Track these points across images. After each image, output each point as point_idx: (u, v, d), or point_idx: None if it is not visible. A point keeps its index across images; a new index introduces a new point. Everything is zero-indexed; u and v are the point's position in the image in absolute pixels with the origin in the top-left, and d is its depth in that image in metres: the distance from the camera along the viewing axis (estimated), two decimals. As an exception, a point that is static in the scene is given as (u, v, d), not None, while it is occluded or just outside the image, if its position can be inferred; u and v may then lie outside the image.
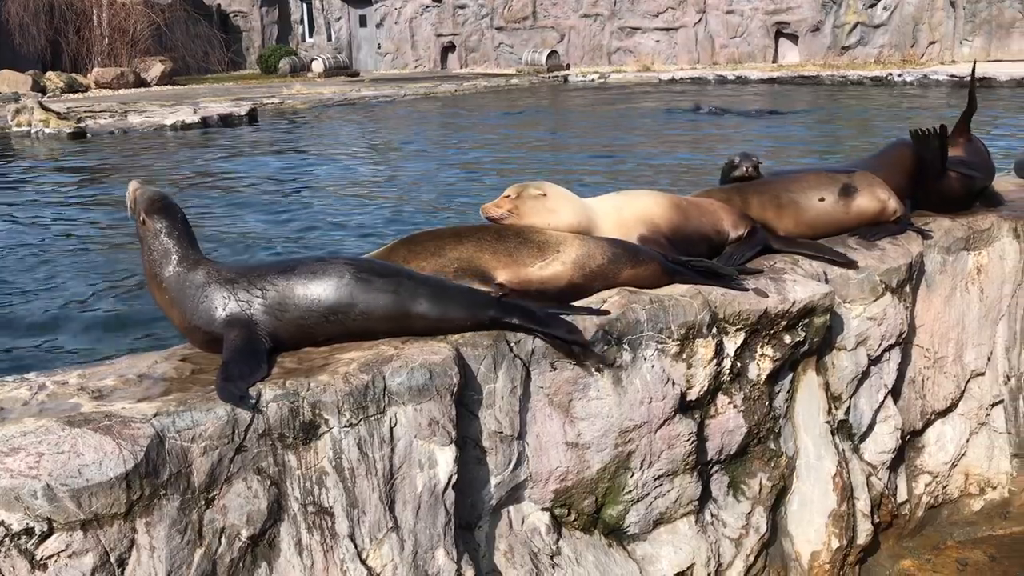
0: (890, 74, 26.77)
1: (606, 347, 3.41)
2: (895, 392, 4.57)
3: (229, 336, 2.94)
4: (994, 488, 4.96)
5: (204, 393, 2.75)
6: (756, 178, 4.66)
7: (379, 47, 41.23)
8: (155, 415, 2.60)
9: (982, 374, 4.97)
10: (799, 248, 4.30)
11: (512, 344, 3.21)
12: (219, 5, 41.77)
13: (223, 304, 2.99)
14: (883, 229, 4.53)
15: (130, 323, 6.40)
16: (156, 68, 33.53)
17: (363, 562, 2.84)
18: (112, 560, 2.44)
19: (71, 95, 29.25)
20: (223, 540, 2.64)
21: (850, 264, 4.23)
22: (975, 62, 5.08)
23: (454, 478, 2.97)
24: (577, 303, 3.52)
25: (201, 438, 2.61)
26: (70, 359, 5.47)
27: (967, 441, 4.93)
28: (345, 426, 2.80)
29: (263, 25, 42.45)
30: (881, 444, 4.45)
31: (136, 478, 2.46)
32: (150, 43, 34.90)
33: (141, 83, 32.57)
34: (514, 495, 3.30)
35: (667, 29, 35.37)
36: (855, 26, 32.13)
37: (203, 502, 2.62)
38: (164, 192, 3.19)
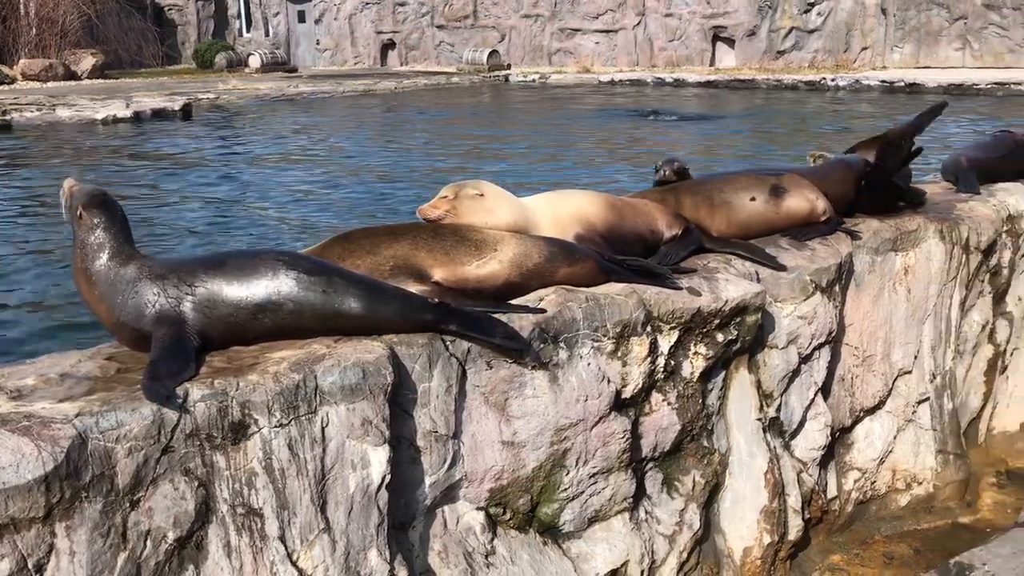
0: (824, 79, 27.32)
1: (542, 345, 3.41)
2: (825, 390, 4.66)
3: (157, 334, 2.87)
4: (920, 483, 5.08)
5: (129, 393, 2.68)
6: (677, 181, 4.74)
7: (318, 43, 40.78)
8: (77, 415, 2.52)
9: (909, 372, 5.09)
10: (732, 248, 4.37)
11: (447, 343, 3.19)
12: (153, -2, 40.93)
13: (153, 300, 2.91)
14: (813, 230, 4.62)
15: (54, 321, 6.22)
16: (87, 61, 32.67)
17: (294, 564, 2.80)
18: (30, 566, 2.36)
19: (-3, 87, 28.40)
20: (148, 543, 2.58)
21: (779, 267, 4.30)
22: (943, 104, 5.26)
23: (387, 478, 2.94)
24: (514, 301, 3.51)
25: (126, 439, 2.54)
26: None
27: (894, 438, 5.05)
28: (275, 426, 2.75)
29: (199, 19, 41.66)
30: (811, 441, 4.53)
31: (56, 480, 2.39)
32: (80, 35, 33.98)
33: (71, 76, 31.71)
34: (449, 495, 3.28)
35: (607, 31, 35.62)
36: (790, 31, 32.72)
37: (127, 504, 2.55)
38: (103, 188, 3.11)
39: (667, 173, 4.79)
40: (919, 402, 5.13)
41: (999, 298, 5.65)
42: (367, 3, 39.33)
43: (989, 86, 24.00)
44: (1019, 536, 3.42)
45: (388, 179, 11.37)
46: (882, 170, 4.95)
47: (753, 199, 4.58)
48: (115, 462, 2.52)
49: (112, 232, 2.97)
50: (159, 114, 19.96)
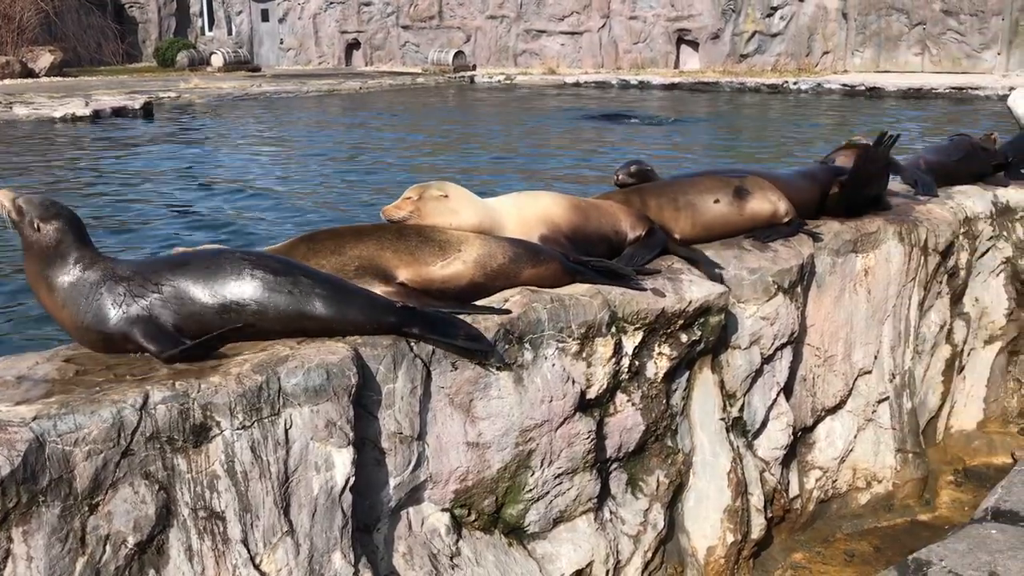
0: (786, 82, 27.61)
1: (507, 346, 3.41)
2: (787, 390, 4.71)
3: (135, 330, 2.85)
4: (879, 482, 5.15)
5: (88, 395, 2.64)
6: (637, 183, 4.77)
7: (281, 42, 40.47)
8: (35, 418, 2.48)
9: (869, 372, 5.16)
10: (685, 255, 4.36)
11: (412, 344, 3.18)
12: (114, -6, 40.39)
13: (119, 301, 2.88)
14: (776, 231, 4.67)
15: (8, 323, 6.12)
16: (45, 58, 32.15)
17: (256, 567, 2.77)
18: (-15, 572, 2.31)
19: (-49, 84, 27.85)
20: (108, 548, 2.54)
21: (718, 279, 4.28)
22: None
23: (352, 480, 2.92)
24: (479, 302, 3.51)
25: (84, 442, 2.51)
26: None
27: (855, 437, 5.11)
28: (238, 428, 2.73)
29: (160, 17, 41.18)
30: (774, 440, 4.58)
31: (12, 485, 2.34)
32: (38, 32, 33.43)
33: (29, 73, 31.18)
34: (414, 496, 3.27)
35: (572, 33, 35.72)
36: (753, 35, 33.04)
37: (86, 508, 2.51)
38: (51, 198, 3.06)
39: (622, 177, 4.83)
40: (879, 401, 5.20)
41: (956, 299, 5.75)
42: (331, 2, 39.11)
43: (947, 91, 24.40)
44: (975, 532, 3.47)
45: (352, 180, 11.31)
46: (858, 180, 5.04)
47: (717, 201, 4.62)
48: (73, 465, 2.48)
49: (72, 238, 2.95)
50: (119, 113, 19.67)
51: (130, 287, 2.90)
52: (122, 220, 9.20)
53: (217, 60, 36.13)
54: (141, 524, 2.59)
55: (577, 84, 30.15)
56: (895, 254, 5.12)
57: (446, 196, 3.73)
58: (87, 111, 19.14)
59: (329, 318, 3.04)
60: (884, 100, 24.18)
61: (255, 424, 2.76)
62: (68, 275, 2.92)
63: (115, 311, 2.88)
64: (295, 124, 19.51)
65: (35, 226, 2.92)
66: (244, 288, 2.94)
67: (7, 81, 29.39)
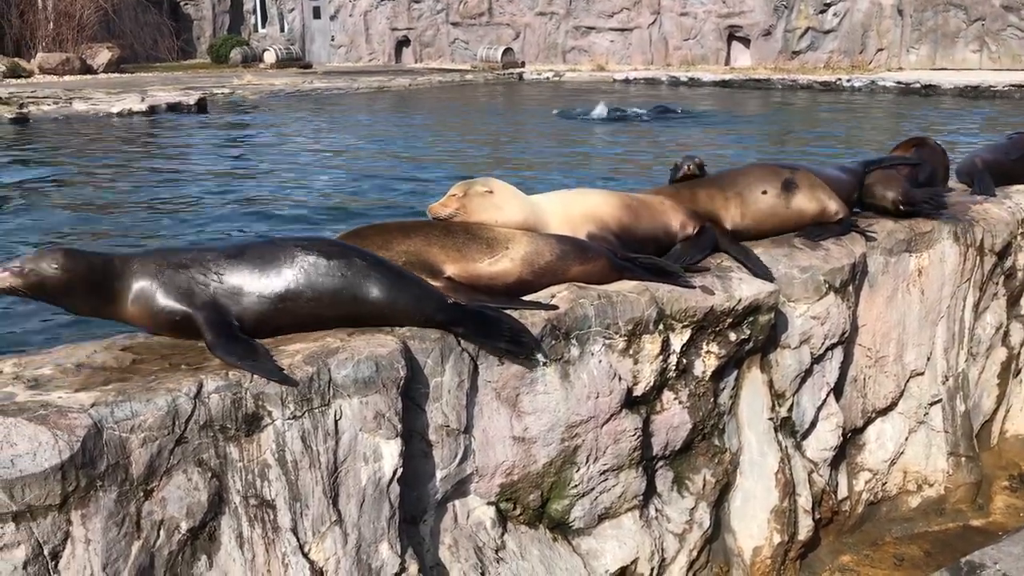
0: (839, 79, 27.22)
1: (554, 342, 3.41)
2: (837, 390, 4.65)
3: (201, 316, 2.90)
4: (931, 485, 5.07)
5: (144, 383, 2.70)
6: (698, 177, 4.72)
7: (333, 39, 40.85)
8: (93, 405, 2.54)
9: (921, 374, 5.08)
10: (735, 253, 4.32)
11: (459, 338, 3.20)
12: (169, -8, 41.10)
13: (186, 288, 2.94)
14: (827, 230, 4.61)
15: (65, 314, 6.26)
16: (103, 55, 32.83)
17: (305, 556, 2.81)
18: (46, 553, 2.38)
19: (14, 80, 28.50)
20: (162, 533, 2.60)
21: (768, 278, 4.24)
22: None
23: (399, 471, 2.95)
24: (526, 298, 3.52)
25: (140, 429, 2.57)
26: (3, 347, 5.32)
27: (906, 439, 5.04)
28: (289, 418, 2.77)
29: (215, 14, 41.81)
30: (823, 441, 4.52)
31: (72, 469, 2.41)
32: (97, 29, 34.13)
33: (87, 70, 31.87)
34: (460, 489, 3.30)
35: (622, 30, 35.56)
36: (806, 31, 32.61)
37: (141, 494, 2.57)
38: (52, 249, 3.01)
39: (691, 167, 4.73)
40: (931, 404, 5.12)
41: (1014, 301, 5.63)
42: (382, 0, 39.38)
43: (1006, 88, 23.85)
44: (1031, 538, 3.41)
45: (400, 177, 11.39)
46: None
47: (765, 192, 4.57)
48: (129, 452, 2.54)
49: (87, 255, 2.97)
50: (174, 108, 20.03)
51: (192, 273, 2.96)
52: (177, 209, 9.39)
53: (270, 57, 36.59)
54: (194, 510, 2.64)
55: (626, 81, 30.03)
56: (950, 254, 5.03)
57: (491, 192, 3.75)
58: (143, 106, 19.52)
59: (382, 302, 3.06)
60: (940, 98, 23.71)
61: (306, 414, 2.81)
62: (121, 279, 2.95)
63: (182, 295, 2.93)
64: (345, 121, 19.69)
65: (55, 269, 2.89)
66: (299, 275, 2.99)
67: (67, 77, 30.07)
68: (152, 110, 19.49)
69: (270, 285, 2.98)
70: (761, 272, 4.21)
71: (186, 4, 41.61)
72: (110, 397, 2.59)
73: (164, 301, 2.94)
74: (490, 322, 3.24)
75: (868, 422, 4.93)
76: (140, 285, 2.96)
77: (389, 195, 10.08)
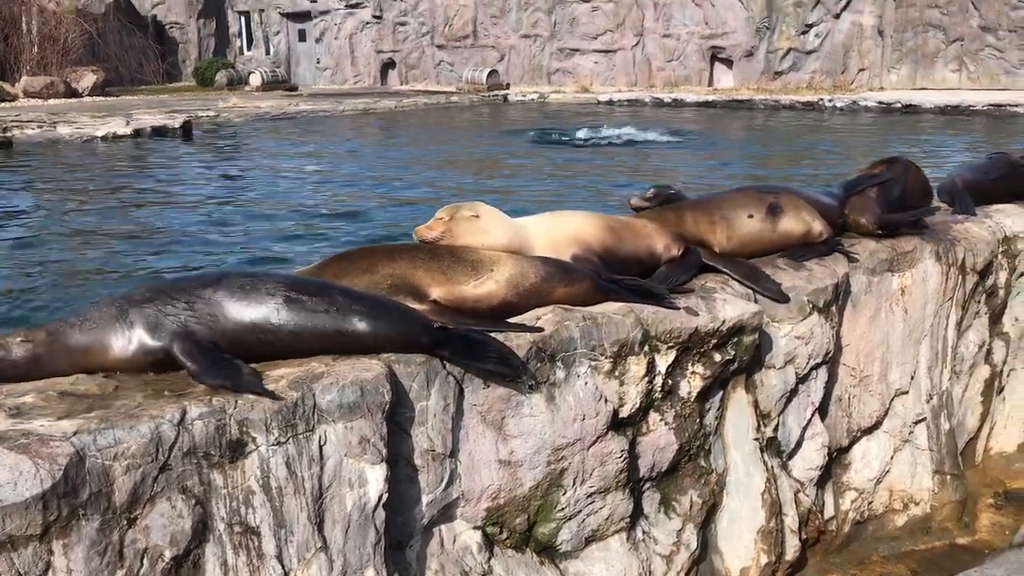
0: (821, 99, 27.44)
1: (539, 365, 3.42)
2: (822, 410, 4.67)
3: (177, 346, 2.88)
4: (916, 504, 5.08)
5: (127, 410, 2.69)
6: (648, 208, 4.80)
7: (318, 62, 40.94)
8: (75, 433, 2.53)
9: (906, 392, 5.10)
10: (733, 270, 4.36)
11: (445, 361, 3.20)
12: (155, 16, 41.06)
13: (154, 321, 2.92)
14: (811, 250, 4.64)
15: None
16: (88, 78, 32.76)
17: (290, 583, 2.79)
18: (27, 583, 2.36)
19: (-3, 104, 28.44)
20: (145, 561, 2.58)
21: (782, 299, 4.29)
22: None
23: (385, 497, 2.94)
24: (511, 320, 3.53)
25: (124, 456, 2.55)
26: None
27: (891, 458, 5.05)
28: (273, 444, 2.76)
29: (200, 37, 41.83)
30: (809, 461, 4.53)
31: (53, 498, 2.39)
32: (82, 53, 34.07)
33: (72, 93, 31.79)
34: (446, 513, 3.28)
35: (605, 51, 35.80)
36: (788, 52, 32.91)
37: (125, 522, 2.55)
38: (9, 333, 3.01)
39: (635, 202, 4.85)
40: (916, 422, 5.14)
41: (995, 319, 5.67)
42: (367, 23, 39.53)
43: (985, 108, 24.12)
44: (1015, 557, 3.42)
45: (385, 201, 11.37)
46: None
47: (751, 216, 4.61)
48: (113, 480, 2.52)
49: (46, 327, 2.97)
50: (159, 132, 19.97)
51: (157, 307, 2.94)
52: (156, 237, 9.32)
53: (255, 79, 36.61)
54: (178, 538, 2.62)
55: (610, 102, 30.19)
56: (932, 273, 5.07)
57: (477, 216, 3.76)
58: (128, 130, 19.47)
59: (366, 335, 3.07)
60: (921, 117, 23.95)
61: (290, 440, 2.80)
62: (85, 332, 2.93)
63: (152, 331, 2.92)
64: (330, 143, 19.69)
65: (25, 344, 2.91)
66: (280, 311, 2.98)
67: (52, 101, 29.98)
68: (137, 133, 19.43)
69: (248, 317, 2.96)
70: (767, 289, 4.25)
71: (171, 27, 41.62)
72: (93, 424, 2.58)
73: (138, 342, 2.92)
74: (476, 345, 3.24)
75: (853, 441, 4.95)
76: (106, 334, 2.93)
77: (374, 219, 10.07)
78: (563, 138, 19.14)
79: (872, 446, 5.01)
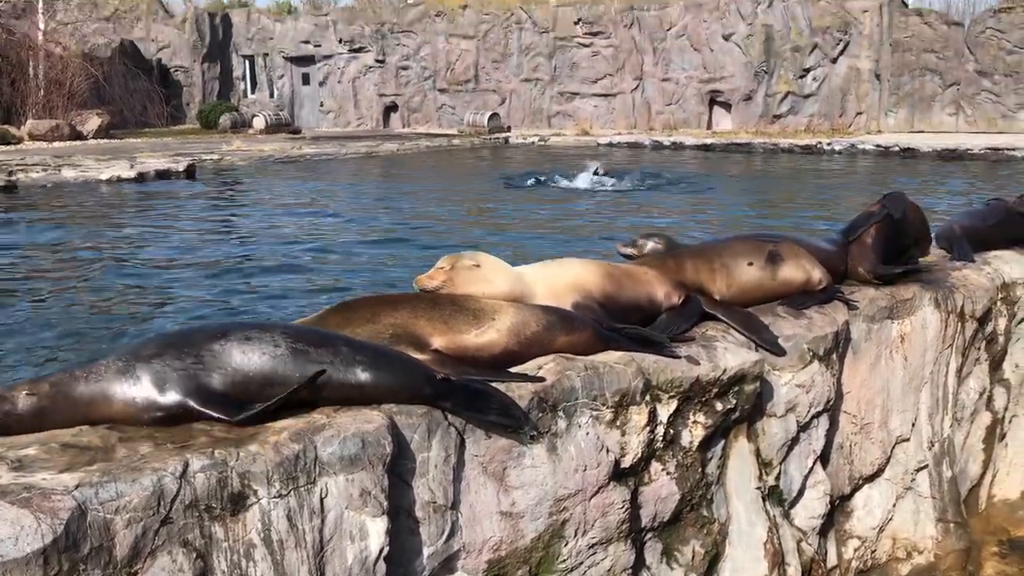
0: (819, 143, 27.67)
1: (541, 415, 3.42)
2: (824, 458, 4.66)
3: (194, 400, 2.90)
4: (920, 552, 5.05)
5: (130, 463, 2.69)
6: (636, 257, 4.87)
7: (321, 105, 41.36)
8: (77, 486, 2.53)
9: (907, 440, 5.10)
10: (732, 319, 4.38)
11: (447, 413, 3.21)
12: (160, 60, 41.57)
13: (163, 376, 2.94)
14: (811, 298, 4.67)
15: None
16: (93, 121, 33.08)
17: (291, 637, 2.77)
18: (26, 639, 2.34)
19: (3, 147, 28.63)
20: (145, 616, 2.56)
21: (779, 351, 4.31)
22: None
23: (386, 549, 2.93)
24: (513, 370, 3.54)
25: (125, 510, 2.55)
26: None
27: (894, 506, 5.03)
28: (274, 497, 2.76)
29: (204, 80, 42.29)
30: (811, 509, 4.52)
31: (55, 553, 2.39)
32: (87, 96, 34.45)
33: (77, 136, 32.08)
34: (447, 566, 3.27)
35: (605, 95, 36.19)
36: (786, 95, 33.26)
37: (125, 576, 2.54)
38: (14, 385, 3.00)
39: (623, 250, 4.96)
40: (918, 470, 5.13)
41: (996, 365, 5.68)
42: (370, 67, 40.00)
43: (983, 151, 24.30)
44: (1020, 609, 3.40)
45: (387, 248, 11.39)
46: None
47: (751, 264, 4.64)
48: (114, 533, 2.52)
49: (48, 378, 2.97)
50: (163, 175, 20.11)
51: (165, 361, 2.96)
52: (159, 286, 9.32)
53: (259, 122, 36.95)
54: (178, 592, 2.61)
55: (610, 145, 30.42)
56: (931, 321, 5.09)
57: (478, 265, 3.79)
58: (132, 173, 19.60)
59: (369, 386, 3.08)
60: (919, 161, 24.12)
61: (291, 493, 2.79)
62: (90, 385, 2.94)
63: (162, 386, 2.93)
64: (333, 188, 19.79)
65: (30, 397, 2.90)
66: (286, 362, 3.00)
67: (56, 144, 30.25)
68: (141, 177, 19.57)
69: (256, 369, 2.98)
70: (766, 341, 4.26)
71: (176, 71, 42.10)
72: (95, 478, 2.58)
73: (147, 397, 2.93)
74: (478, 396, 3.25)
75: (855, 489, 4.93)
76: (112, 388, 2.94)
77: (380, 268, 10.06)
78: (561, 182, 19.17)
79: (874, 494, 5.00)
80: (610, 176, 19.27)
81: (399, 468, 3.06)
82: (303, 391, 2.97)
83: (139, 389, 2.94)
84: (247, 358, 2.99)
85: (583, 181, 19.02)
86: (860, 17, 32.22)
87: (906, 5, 33.12)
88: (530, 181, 19.61)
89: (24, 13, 35.92)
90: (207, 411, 2.89)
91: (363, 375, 3.08)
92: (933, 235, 6.08)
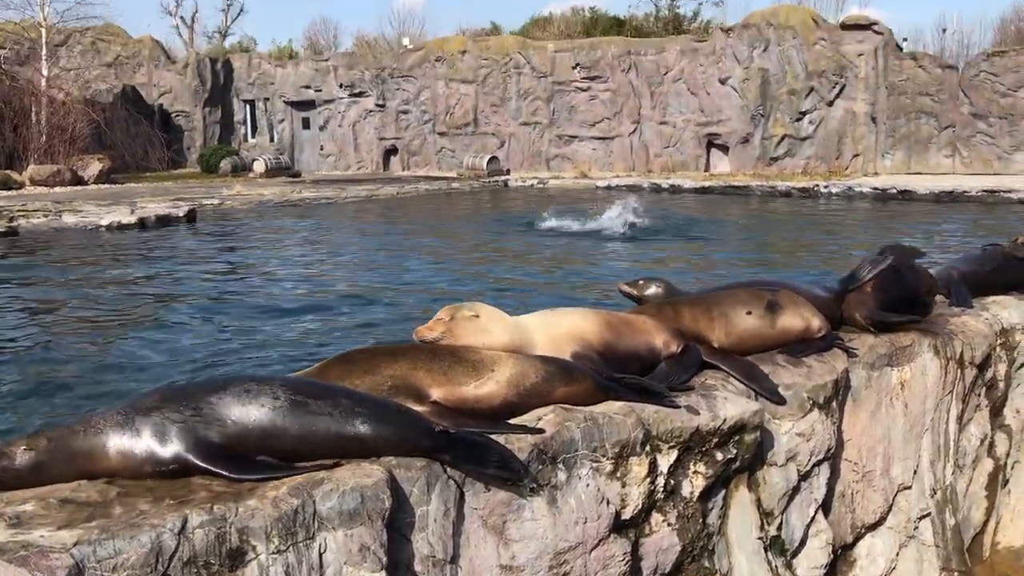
0: (816, 185, 27.81)
1: (540, 467, 3.41)
2: (825, 506, 4.63)
3: (196, 456, 2.89)
4: (925, 602, 5.00)
5: (128, 519, 2.68)
6: (636, 298, 4.88)
7: (322, 148, 41.64)
8: (76, 544, 2.52)
9: (909, 487, 5.07)
10: (731, 368, 4.38)
11: (446, 465, 3.20)
12: (161, 104, 41.94)
13: (163, 430, 2.93)
14: (810, 346, 4.67)
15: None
16: (94, 166, 33.24)
17: None
18: None
19: (4, 192, 28.73)
20: (141, 676, 2.53)
21: (779, 400, 4.31)
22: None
23: (384, 605, 2.91)
24: (512, 421, 3.53)
25: (123, 567, 2.53)
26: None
27: (897, 554, 5.00)
28: (273, 553, 2.74)
29: (205, 124, 42.61)
30: (813, 559, 4.48)
31: (51, 613, 2.37)
32: (89, 141, 34.68)
33: (78, 181, 32.22)
34: (446, 620, 3.24)
35: (603, 138, 36.45)
36: (783, 138, 33.50)
37: (122, 636, 2.52)
38: (10, 441, 3.01)
39: (625, 289, 5.03)
40: (920, 517, 5.10)
41: (996, 411, 5.67)
42: (371, 111, 40.34)
43: (979, 193, 24.44)
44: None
45: (386, 297, 11.33)
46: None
47: (749, 313, 4.66)
48: (111, 592, 2.50)
49: (45, 432, 2.98)
50: (164, 220, 20.18)
51: (164, 414, 2.96)
52: (158, 337, 9.21)
53: (259, 166, 37.16)
54: (175, 651, 2.59)
55: (608, 187, 30.57)
56: (931, 367, 5.09)
57: (477, 316, 3.80)
58: (132, 219, 19.66)
59: (368, 439, 3.08)
60: (916, 203, 24.25)
61: (290, 548, 2.78)
62: (89, 440, 2.93)
63: (161, 440, 2.93)
64: (333, 234, 19.81)
65: (28, 452, 2.90)
66: (285, 415, 3.00)
67: (58, 189, 30.38)
68: (142, 222, 19.63)
69: (255, 422, 2.98)
70: (769, 393, 4.26)
71: (178, 115, 42.43)
72: (93, 535, 2.57)
73: (146, 451, 2.93)
74: (477, 448, 3.24)
75: (858, 538, 4.90)
76: (111, 442, 2.93)
77: (380, 318, 10.01)
78: (560, 227, 19.10)
79: (877, 542, 4.96)
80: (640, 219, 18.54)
81: (398, 522, 3.05)
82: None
83: (138, 442, 2.94)
84: (246, 411, 2.99)
85: (614, 223, 18.37)
86: (855, 61, 32.57)
87: (900, 49, 33.51)
88: (549, 223, 19.31)
89: (28, 60, 36.31)
90: (208, 467, 2.88)
91: (362, 427, 3.08)
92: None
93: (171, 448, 2.92)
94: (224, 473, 2.89)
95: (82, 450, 2.94)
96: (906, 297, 5.31)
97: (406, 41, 43.84)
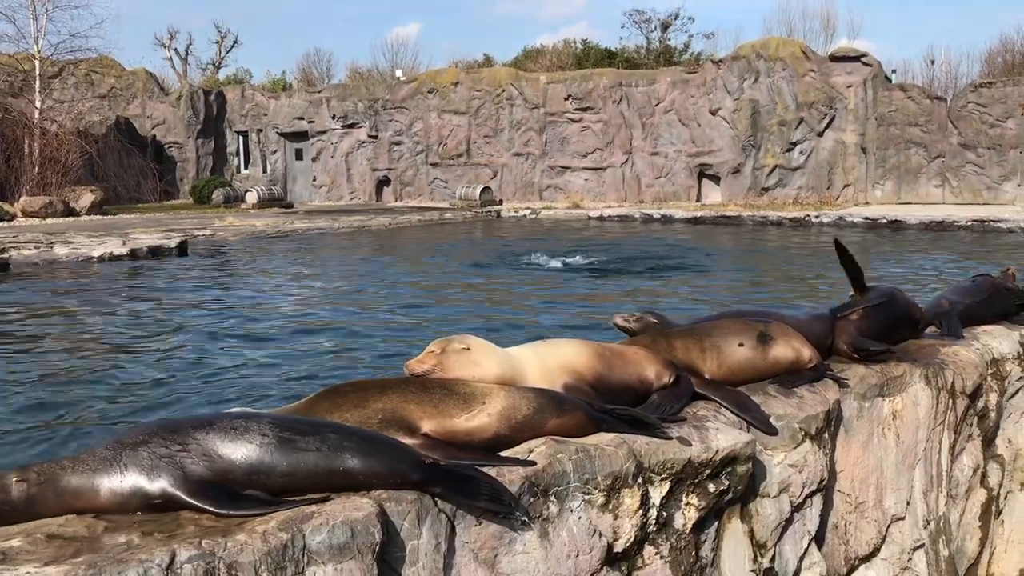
0: (808, 215, 27.99)
1: (532, 499, 3.39)
2: (818, 538, 4.61)
3: (183, 490, 2.87)
4: (920, 635, 4.97)
5: (115, 554, 2.65)
6: (632, 330, 4.87)
7: (314, 179, 41.79)
8: (62, 580, 2.49)
9: (902, 518, 5.06)
10: (723, 399, 4.38)
11: (437, 498, 3.18)
12: (154, 136, 42.08)
13: (150, 464, 2.92)
14: (801, 377, 4.67)
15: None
16: (86, 197, 33.29)
17: None
18: None
19: (-4, 223, 28.82)
20: None
21: (770, 431, 4.31)
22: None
23: (375, 641, 2.88)
24: (504, 453, 3.52)
25: (109, 605, 2.50)
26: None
27: (891, 586, 4.97)
28: (262, 588, 2.71)
29: (198, 156, 42.75)
30: (807, 592, 4.45)
31: (36, 651, 2.34)
32: (81, 173, 34.75)
33: (70, 212, 32.25)
34: (437, 656, 3.20)
35: (595, 169, 36.68)
36: (774, 169, 33.75)
37: (108, 674, 2.48)
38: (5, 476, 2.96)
39: (620, 322, 4.99)
40: (914, 549, 5.07)
41: (988, 441, 5.67)
42: (363, 142, 40.55)
43: (969, 223, 24.61)
44: None
45: (376, 331, 11.29)
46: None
47: (741, 344, 4.66)
48: (97, 629, 2.47)
49: (37, 466, 2.96)
50: (155, 251, 20.17)
51: (151, 449, 2.94)
52: (148, 373, 9.15)
53: (251, 197, 37.24)
54: None
55: (601, 218, 30.71)
56: (923, 398, 5.09)
57: (468, 348, 3.80)
58: (124, 250, 19.66)
59: (357, 473, 3.07)
60: (906, 233, 24.40)
61: (279, 584, 2.75)
62: (77, 475, 2.91)
63: (148, 475, 2.91)
64: (324, 266, 19.79)
65: (20, 484, 2.88)
66: (273, 452, 2.98)
67: (49, 220, 30.39)
68: (133, 254, 19.62)
69: (242, 459, 2.97)
70: (757, 420, 4.26)
71: (171, 147, 42.58)
72: (80, 571, 2.54)
73: (133, 486, 2.91)
74: (468, 481, 3.23)
75: (851, 569, 4.87)
76: (99, 477, 2.91)
77: (370, 351, 9.97)
78: (553, 261, 19.12)
79: (871, 574, 4.93)
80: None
81: (388, 556, 3.02)
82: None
83: (125, 478, 2.92)
84: (234, 447, 2.97)
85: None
86: (845, 92, 32.91)
87: (889, 80, 33.87)
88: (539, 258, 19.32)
89: (22, 91, 36.46)
90: (195, 502, 2.86)
91: (351, 461, 3.06)
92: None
93: (158, 483, 2.90)
94: (211, 509, 2.87)
95: (70, 485, 2.92)
96: (893, 328, 5.32)
97: (399, 73, 44.21)
